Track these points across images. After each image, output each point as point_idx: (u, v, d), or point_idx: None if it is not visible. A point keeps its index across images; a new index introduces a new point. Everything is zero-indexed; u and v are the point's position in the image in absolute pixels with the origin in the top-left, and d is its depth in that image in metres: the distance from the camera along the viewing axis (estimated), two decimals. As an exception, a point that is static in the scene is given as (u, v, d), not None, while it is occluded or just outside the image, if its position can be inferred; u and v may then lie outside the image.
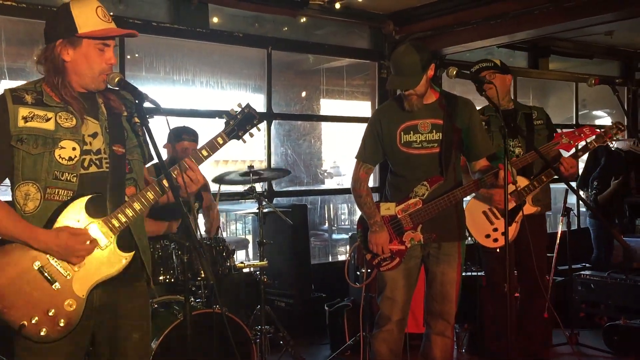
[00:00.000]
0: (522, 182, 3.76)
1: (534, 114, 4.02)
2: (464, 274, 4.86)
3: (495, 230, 3.79)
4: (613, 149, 6.78)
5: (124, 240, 2.17)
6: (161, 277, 3.44)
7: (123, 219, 2.13)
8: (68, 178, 2.10)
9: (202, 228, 4.25)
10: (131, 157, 2.26)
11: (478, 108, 4.00)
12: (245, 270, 4.36)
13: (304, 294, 5.06)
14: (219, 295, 2.54)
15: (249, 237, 7.37)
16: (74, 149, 2.11)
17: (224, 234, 7.22)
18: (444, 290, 3.22)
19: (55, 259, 2.06)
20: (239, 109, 2.29)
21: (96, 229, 2.11)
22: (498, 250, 3.77)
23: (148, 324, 2.33)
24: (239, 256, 6.87)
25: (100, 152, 2.17)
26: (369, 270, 3.29)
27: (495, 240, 3.79)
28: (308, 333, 4.95)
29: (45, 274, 2.05)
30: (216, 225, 4.23)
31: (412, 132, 3.15)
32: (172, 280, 3.47)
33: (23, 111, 2.08)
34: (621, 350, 4.47)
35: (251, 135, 2.32)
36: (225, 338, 2.89)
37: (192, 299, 3.61)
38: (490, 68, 3.92)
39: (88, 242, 2.07)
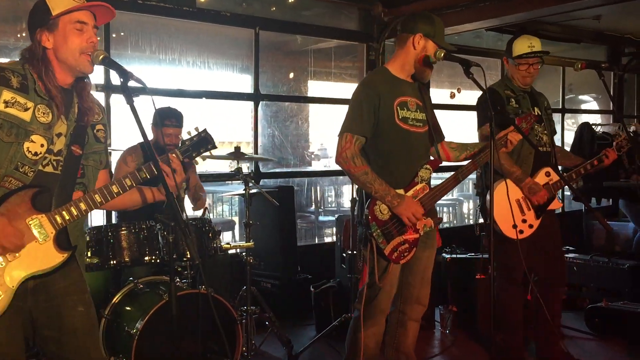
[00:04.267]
0: (555, 176, 3.72)
1: (544, 102, 3.95)
2: (455, 256, 4.97)
3: (524, 221, 3.67)
4: (600, 133, 6.86)
5: (63, 240, 2.16)
6: (147, 258, 3.45)
7: (67, 217, 2.12)
8: (26, 171, 2.09)
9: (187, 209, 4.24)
10: (86, 162, 2.27)
11: (496, 82, 3.97)
12: (232, 251, 4.36)
13: (290, 275, 5.08)
14: (205, 276, 2.54)
15: (236, 219, 7.37)
16: (42, 145, 2.11)
17: (211, 215, 7.21)
18: (426, 275, 3.18)
19: None
20: (195, 132, 2.41)
21: (38, 222, 2.09)
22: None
23: (89, 295, 2.31)
24: (226, 237, 6.87)
25: (60, 153, 2.17)
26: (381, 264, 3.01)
27: (521, 231, 3.63)
28: (294, 314, 4.97)
29: None
30: (202, 205, 4.23)
31: (405, 109, 3.05)
32: (158, 260, 3.47)
33: (6, 94, 2.06)
34: (602, 332, 4.55)
35: (203, 158, 2.46)
36: (211, 319, 2.89)
37: (178, 279, 3.61)
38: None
39: (22, 240, 2.04)
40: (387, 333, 3.25)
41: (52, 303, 2.19)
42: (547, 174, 3.73)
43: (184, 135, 2.41)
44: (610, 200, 6.90)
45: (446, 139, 3.33)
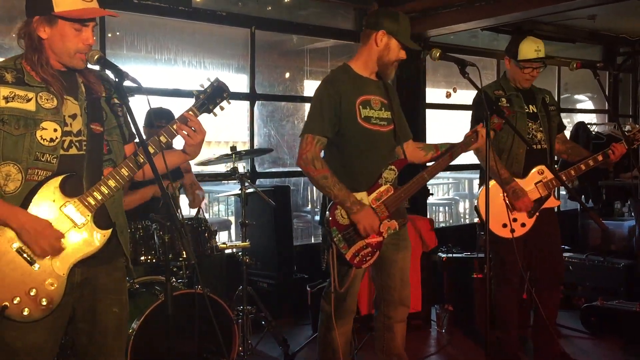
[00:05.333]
0: (549, 174, 3.68)
1: (547, 98, 3.88)
2: (451, 255, 4.98)
3: (515, 220, 3.61)
4: (594, 133, 6.88)
5: (102, 218, 2.17)
6: (142, 258, 3.44)
7: (99, 197, 2.13)
8: (48, 159, 2.09)
9: (184, 208, 4.23)
10: (110, 138, 2.25)
11: (489, 83, 3.90)
12: (228, 251, 4.35)
13: (286, 275, 5.08)
14: (201, 275, 2.54)
15: (232, 219, 7.36)
16: (55, 130, 2.10)
17: (207, 215, 7.19)
18: (404, 276, 3.13)
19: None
20: (208, 83, 2.31)
21: (72, 208, 2.10)
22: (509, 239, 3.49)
23: (126, 297, 2.35)
24: (222, 237, 6.86)
25: (81, 133, 2.16)
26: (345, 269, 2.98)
27: (512, 231, 3.54)
28: (290, 313, 4.98)
29: (25, 255, 2.05)
30: (199, 203, 4.22)
31: (368, 107, 2.98)
32: (154, 260, 3.46)
33: (4, 91, 2.05)
34: (598, 330, 4.56)
35: (222, 108, 2.33)
36: (207, 318, 2.89)
37: (174, 279, 3.60)
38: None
39: (60, 243, 2.07)
40: (375, 338, 3.25)
41: (92, 297, 2.22)
42: (541, 172, 3.69)
43: (197, 89, 2.32)
44: (591, 200, 6.92)
45: (413, 139, 3.26)
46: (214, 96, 2.30)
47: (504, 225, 3.58)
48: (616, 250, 6.03)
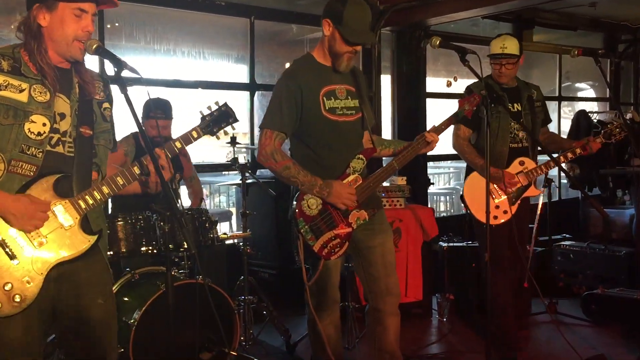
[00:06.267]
0: (531, 164, 3.78)
1: (533, 94, 3.94)
2: (452, 244, 4.98)
3: (497, 207, 3.70)
4: (595, 121, 6.86)
5: (86, 224, 2.16)
6: (143, 249, 3.45)
7: (90, 201, 2.13)
8: (34, 153, 2.07)
9: (184, 199, 4.23)
10: (97, 142, 2.25)
11: (472, 82, 3.93)
12: (229, 241, 4.36)
13: (287, 265, 5.08)
14: (202, 266, 2.54)
15: (233, 209, 7.37)
16: (44, 124, 2.09)
17: (207, 206, 7.20)
18: (386, 261, 2.99)
19: (18, 235, 2.04)
20: (216, 107, 2.37)
21: (62, 209, 2.09)
22: (494, 226, 3.60)
23: (110, 287, 2.33)
24: (223, 227, 6.87)
25: (67, 134, 2.14)
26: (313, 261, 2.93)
27: (495, 217, 3.67)
28: (291, 303, 4.97)
29: (6, 249, 2.03)
30: (199, 196, 4.22)
31: (333, 98, 2.87)
32: (155, 251, 3.47)
33: None
34: (599, 318, 4.57)
35: (226, 133, 2.42)
36: (208, 309, 2.89)
37: (175, 269, 3.61)
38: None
39: (47, 213, 2.06)
40: (367, 333, 3.20)
41: (73, 293, 2.19)
42: (521, 163, 3.79)
43: (204, 111, 2.36)
44: (597, 188, 6.93)
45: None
46: (219, 120, 2.36)
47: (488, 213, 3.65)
48: (617, 238, 6.04)
